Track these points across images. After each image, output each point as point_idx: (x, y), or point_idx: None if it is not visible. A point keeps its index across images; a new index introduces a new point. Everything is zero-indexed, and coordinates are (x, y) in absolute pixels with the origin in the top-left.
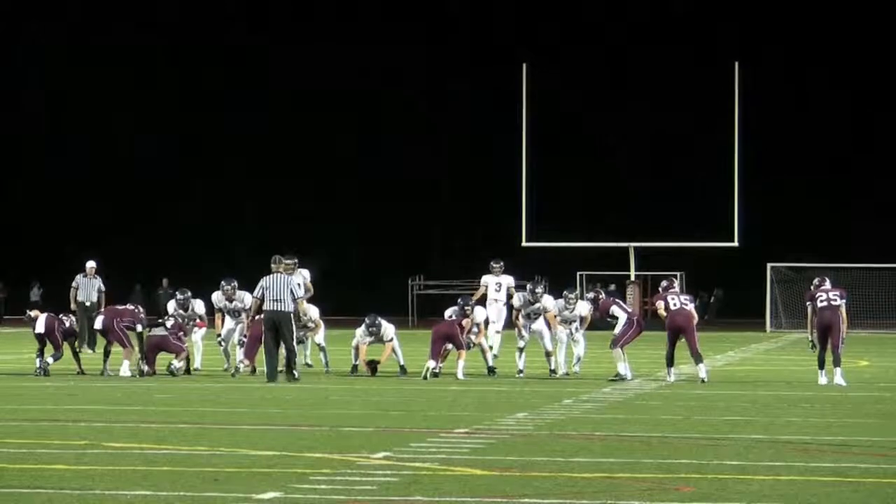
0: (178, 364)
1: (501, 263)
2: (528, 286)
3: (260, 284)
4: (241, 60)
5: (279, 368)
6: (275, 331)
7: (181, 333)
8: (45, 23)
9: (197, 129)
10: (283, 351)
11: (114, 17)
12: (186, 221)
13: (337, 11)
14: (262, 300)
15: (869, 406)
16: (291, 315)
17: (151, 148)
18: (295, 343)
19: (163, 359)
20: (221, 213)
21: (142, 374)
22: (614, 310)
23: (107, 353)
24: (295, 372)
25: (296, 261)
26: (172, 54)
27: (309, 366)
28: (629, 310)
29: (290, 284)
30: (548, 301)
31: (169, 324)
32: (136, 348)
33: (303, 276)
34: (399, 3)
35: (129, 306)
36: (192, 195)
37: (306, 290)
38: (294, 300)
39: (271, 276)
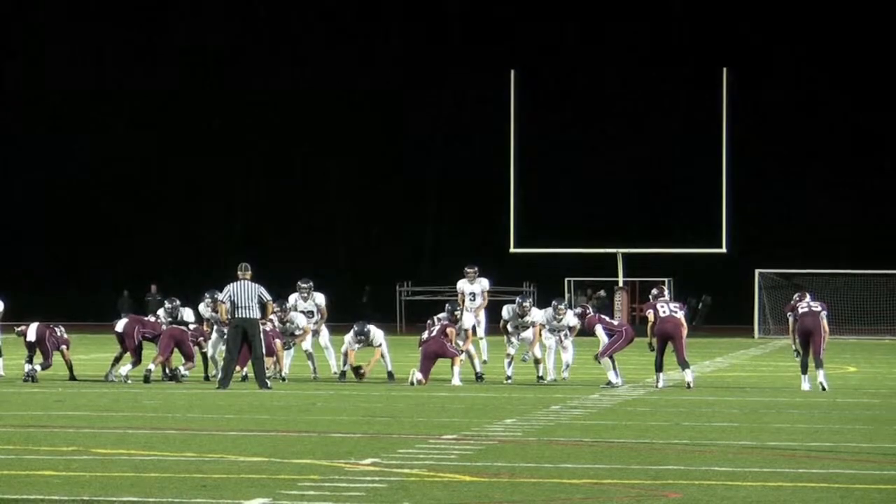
0: (184, 371)
1: (476, 268)
2: (517, 299)
3: (226, 290)
4: (223, 59)
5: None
6: (242, 338)
7: (201, 339)
8: None
9: (193, 130)
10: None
11: None
12: (178, 226)
13: (324, 12)
14: (231, 305)
15: (857, 412)
16: (259, 321)
17: (151, 147)
18: (264, 351)
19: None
20: (213, 216)
21: (146, 379)
22: (598, 329)
23: (117, 359)
24: (267, 381)
25: (311, 284)
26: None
27: (283, 380)
28: (615, 323)
29: (256, 291)
30: (536, 315)
31: (192, 327)
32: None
33: (316, 305)
34: (396, 3)
35: (152, 318)
36: (187, 197)
37: (321, 315)
38: (263, 304)
39: (237, 283)
